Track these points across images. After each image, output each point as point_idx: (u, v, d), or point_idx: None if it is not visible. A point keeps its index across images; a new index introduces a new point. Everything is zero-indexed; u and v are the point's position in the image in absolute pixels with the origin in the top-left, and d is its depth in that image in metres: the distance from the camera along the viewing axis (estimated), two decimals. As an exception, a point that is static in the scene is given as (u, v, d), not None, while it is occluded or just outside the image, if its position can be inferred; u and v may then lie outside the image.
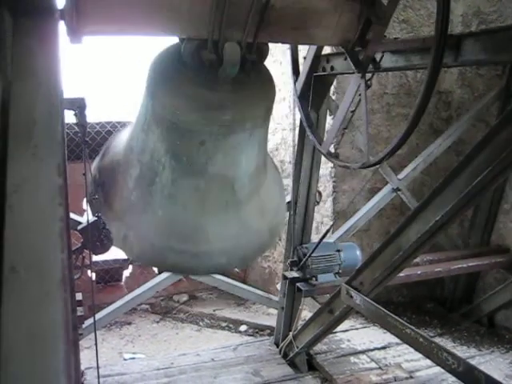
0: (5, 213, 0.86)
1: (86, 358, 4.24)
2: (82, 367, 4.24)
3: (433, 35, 2.32)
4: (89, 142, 3.04)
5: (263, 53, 2.31)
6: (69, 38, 2.62)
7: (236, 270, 6.29)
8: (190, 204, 2.49)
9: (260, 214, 2.70)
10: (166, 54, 2.35)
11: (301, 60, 3.73)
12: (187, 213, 2.48)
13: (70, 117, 2.97)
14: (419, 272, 4.47)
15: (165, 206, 2.46)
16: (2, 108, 1.00)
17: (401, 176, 4.59)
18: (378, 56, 2.75)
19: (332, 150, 3.38)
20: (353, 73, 2.82)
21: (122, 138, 2.85)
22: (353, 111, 3.02)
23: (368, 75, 2.77)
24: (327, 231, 3.90)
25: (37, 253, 0.84)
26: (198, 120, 2.17)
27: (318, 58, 3.55)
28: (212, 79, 2.15)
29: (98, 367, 2.85)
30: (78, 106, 2.55)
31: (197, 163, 2.34)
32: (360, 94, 2.81)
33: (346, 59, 3.11)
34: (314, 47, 3.48)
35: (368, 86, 2.76)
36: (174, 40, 2.36)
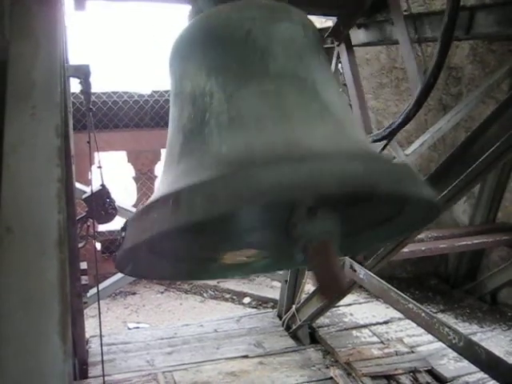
0: (2, 173, 0.85)
1: (90, 327, 4.28)
2: (87, 335, 4.29)
3: (444, 8, 2.28)
4: (94, 110, 2.99)
5: None
6: (73, 3, 2.59)
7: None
8: (266, 115, 1.62)
9: (364, 140, 1.86)
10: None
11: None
12: (266, 129, 1.57)
13: (76, 86, 2.96)
14: (423, 248, 4.46)
15: (228, 135, 1.59)
16: (1, 68, 0.98)
17: (408, 151, 4.55)
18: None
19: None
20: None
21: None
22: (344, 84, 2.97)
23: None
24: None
25: (33, 213, 0.84)
26: (233, 8, 1.72)
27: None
28: None
29: (101, 335, 2.87)
30: (83, 72, 2.53)
31: (252, 62, 1.70)
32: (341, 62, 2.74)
33: (359, 28, 3.09)
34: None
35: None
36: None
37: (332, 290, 1.26)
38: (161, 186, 1.69)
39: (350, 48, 3.11)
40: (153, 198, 1.58)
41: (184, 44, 1.89)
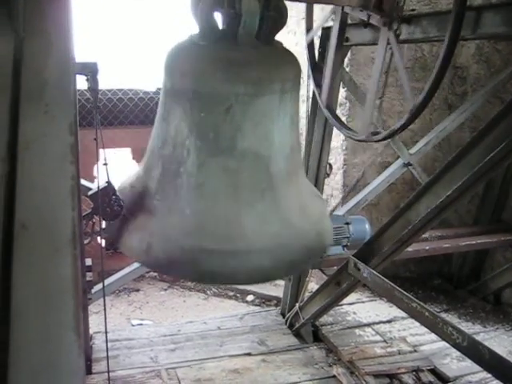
0: (16, 170, 0.86)
1: (94, 323, 4.31)
2: (91, 331, 4.31)
3: (451, 7, 2.28)
4: (100, 107, 3.01)
5: (282, 11, 2.21)
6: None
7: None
8: (221, 191, 2.12)
9: (302, 211, 2.30)
10: (178, 43, 2.24)
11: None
12: (218, 204, 2.11)
13: (81, 83, 2.97)
14: (427, 247, 4.46)
15: (193, 200, 2.13)
16: (14, 66, 1.00)
17: (412, 151, 4.55)
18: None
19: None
20: (370, 44, 2.76)
21: (137, 169, 2.61)
22: (386, 72, 2.93)
23: (395, 26, 2.62)
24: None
25: (47, 210, 0.85)
26: (222, 79, 2.00)
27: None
28: (232, 41, 2.04)
29: (106, 332, 2.88)
30: (90, 70, 2.53)
31: (224, 137, 2.07)
32: (391, 48, 2.68)
33: (365, 27, 3.07)
34: (327, 17, 3.41)
35: (398, 36, 2.63)
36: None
37: None
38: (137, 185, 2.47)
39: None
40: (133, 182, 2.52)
41: (178, 72, 2.16)
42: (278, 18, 2.18)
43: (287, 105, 2.17)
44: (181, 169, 2.12)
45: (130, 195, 2.47)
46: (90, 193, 3.62)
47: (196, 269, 2.11)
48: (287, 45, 2.48)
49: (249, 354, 4.22)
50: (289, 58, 2.24)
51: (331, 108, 3.38)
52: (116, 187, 2.88)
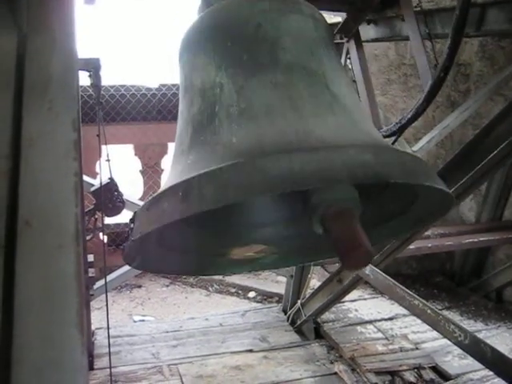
0: (19, 167, 0.86)
1: (96, 319, 4.31)
2: (93, 327, 4.33)
3: (455, 4, 2.27)
4: (103, 104, 3.00)
5: None
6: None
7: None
8: (276, 107, 1.60)
9: (375, 132, 1.74)
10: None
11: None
12: (275, 119, 1.56)
13: (83, 79, 2.97)
14: (429, 245, 4.47)
15: (239, 127, 1.58)
16: (18, 62, 0.99)
17: (415, 148, 4.54)
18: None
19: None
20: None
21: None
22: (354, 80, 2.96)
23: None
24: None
25: (51, 207, 0.85)
26: (242, 2, 1.72)
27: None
28: None
29: (108, 328, 2.89)
30: (93, 66, 2.54)
31: (262, 53, 1.68)
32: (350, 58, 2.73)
33: (368, 24, 3.09)
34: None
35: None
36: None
37: (358, 258, 1.13)
38: (170, 177, 1.69)
39: (359, 44, 3.11)
40: (162, 189, 1.62)
41: (194, 38, 1.89)
42: None
43: (324, 36, 1.80)
44: (216, 108, 1.66)
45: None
46: (92, 189, 3.63)
47: (278, 175, 1.29)
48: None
49: (250, 351, 4.22)
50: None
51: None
52: (118, 183, 2.87)
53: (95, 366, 3.89)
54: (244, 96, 1.64)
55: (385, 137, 2.92)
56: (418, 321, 3.27)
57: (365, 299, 5.17)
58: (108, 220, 5.49)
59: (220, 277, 6.30)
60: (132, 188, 6.87)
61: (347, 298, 4.36)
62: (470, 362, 3.81)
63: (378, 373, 3.86)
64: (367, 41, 3.43)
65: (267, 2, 1.73)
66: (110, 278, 4.39)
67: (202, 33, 1.86)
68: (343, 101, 1.66)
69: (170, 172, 1.93)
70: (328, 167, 1.28)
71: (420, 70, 2.68)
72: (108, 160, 3.02)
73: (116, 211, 3.34)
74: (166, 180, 1.92)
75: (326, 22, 1.86)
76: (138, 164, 6.68)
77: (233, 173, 1.31)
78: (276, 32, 1.70)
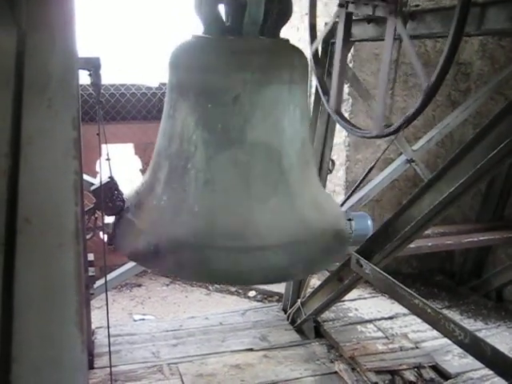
0: (19, 165, 0.86)
1: (96, 318, 4.31)
2: (93, 326, 4.32)
3: (455, 3, 2.27)
4: (103, 102, 2.99)
5: (287, 3, 2.17)
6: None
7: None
8: (232, 186, 2.00)
9: (317, 210, 2.16)
10: (182, 41, 2.19)
11: (319, 27, 3.66)
12: (229, 199, 1.96)
13: (83, 78, 2.97)
14: (430, 244, 4.46)
15: (201, 196, 1.98)
16: (17, 60, 0.99)
17: (415, 147, 4.54)
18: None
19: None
20: (373, 40, 2.75)
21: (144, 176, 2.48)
22: (396, 60, 2.90)
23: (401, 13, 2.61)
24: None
25: (50, 205, 0.85)
26: (228, 67, 1.91)
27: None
28: (237, 33, 1.98)
29: (108, 327, 2.88)
30: (93, 65, 2.53)
31: (233, 128, 1.94)
32: (399, 36, 2.65)
33: (369, 23, 3.06)
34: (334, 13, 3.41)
35: (405, 22, 2.60)
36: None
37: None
38: (147, 191, 2.31)
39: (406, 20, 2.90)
40: (143, 189, 2.38)
41: (183, 70, 2.11)
42: (283, 11, 2.14)
43: (297, 97, 2.06)
44: (188, 165, 1.98)
45: (136, 201, 2.39)
46: (92, 188, 3.62)
47: (208, 269, 1.96)
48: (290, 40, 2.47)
49: (251, 350, 4.22)
50: (295, 49, 2.18)
51: (340, 112, 3.38)
52: (118, 182, 2.87)
53: (95, 365, 3.89)
54: (211, 168, 1.99)
55: (385, 136, 2.92)
56: (418, 320, 3.26)
57: (365, 298, 5.17)
58: (108, 219, 5.48)
59: (220, 276, 6.28)
60: (131, 187, 6.85)
61: (347, 297, 4.35)
62: (469, 361, 3.81)
63: (378, 372, 3.87)
64: (367, 40, 3.43)
65: (249, 73, 1.95)
66: (110, 276, 4.39)
67: (190, 73, 2.07)
68: (290, 177, 2.07)
69: (149, 174, 2.32)
70: (246, 271, 1.96)
71: (416, 71, 2.68)
72: (108, 159, 3.01)
73: (116, 210, 3.33)
74: (145, 182, 2.44)
75: (304, 72, 2.15)
76: (138, 163, 6.67)
77: (188, 256, 2.04)
78: (250, 107, 1.97)
